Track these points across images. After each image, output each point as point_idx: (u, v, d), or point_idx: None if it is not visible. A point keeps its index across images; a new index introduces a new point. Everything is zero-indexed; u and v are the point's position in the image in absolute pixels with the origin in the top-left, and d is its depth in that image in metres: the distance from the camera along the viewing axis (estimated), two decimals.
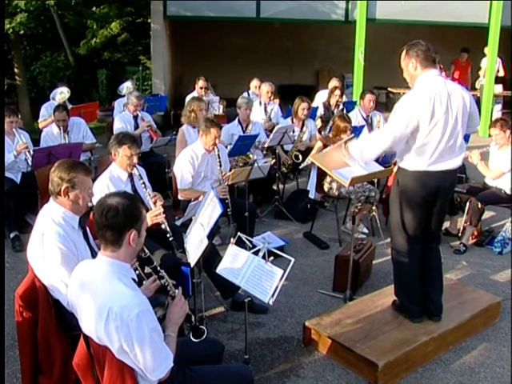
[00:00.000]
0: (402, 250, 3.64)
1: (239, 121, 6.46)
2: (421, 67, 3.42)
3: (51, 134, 6.14)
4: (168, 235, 3.84)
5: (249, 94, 8.37)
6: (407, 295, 3.73)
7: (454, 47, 11.46)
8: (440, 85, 3.39)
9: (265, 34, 13.48)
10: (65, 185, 2.86)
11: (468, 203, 5.36)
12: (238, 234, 3.30)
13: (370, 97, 7.03)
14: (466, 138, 4.85)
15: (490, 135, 6.59)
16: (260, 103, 7.70)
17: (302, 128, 6.71)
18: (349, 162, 4.25)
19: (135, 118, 6.68)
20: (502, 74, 11.16)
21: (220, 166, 4.95)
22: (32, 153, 5.44)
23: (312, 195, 5.73)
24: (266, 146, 6.41)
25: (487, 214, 5.76)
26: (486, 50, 10.87)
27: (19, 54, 11.50)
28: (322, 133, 7.10)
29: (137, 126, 6.63)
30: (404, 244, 3.63)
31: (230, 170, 5.38)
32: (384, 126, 3.54)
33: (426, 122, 3.35)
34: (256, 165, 5.19)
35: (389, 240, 5.47)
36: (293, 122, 6.76)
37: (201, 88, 8.36)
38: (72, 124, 6.26)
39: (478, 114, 3.70)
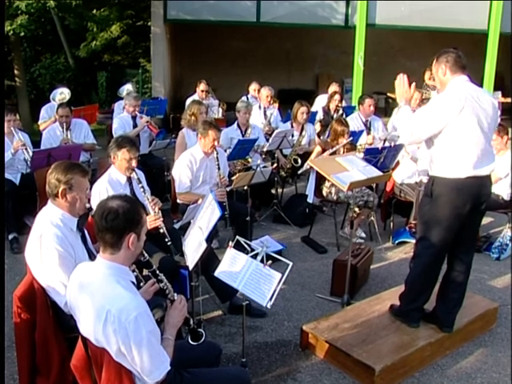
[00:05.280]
0: (428, 259, 3.53)
1: (238, 125, 6.48)
2: (450, 72, 3.41)
3: (53, 133, 6.13)
4: (166, 240, 3.85)
5: (248, 98, 8.40)
6: (414, 300, 3.67)
7: None
8: (471, 89, 3.37)
9: (264, 39, 13.51)
10: (62, 187, 2.86)
11: None
12: (237, 237, 3.30)
13: (370, 101, 6.98)
14: None
15: None
16: (259, 107, 7.72)
17: (301, 132, 6.73)
18: (347, 167, 4.27)
19: (134, 118, 6.70)
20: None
21: (218, 169, 4.94)
22: (30, 152, 5.44)
23: (310, 200, 5.74)
24: (265, 149, 6.42)
25: (485, 220, 5.72)
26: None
27: (19, 55, 11.51)
28: (321, 137, 7.11)
29: (135, 127, 6.64)
30: (432, 253, 3.50)
31: (229, 175, 5.40)
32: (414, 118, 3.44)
33: (456, 121, 3.27)
34: (259, 169, 5.20)
35: (386, 245, 5.53)
36: (292, 126, 6.78)
37: (202, 91, 8.39)
38: (74, 124, 6.27)
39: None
